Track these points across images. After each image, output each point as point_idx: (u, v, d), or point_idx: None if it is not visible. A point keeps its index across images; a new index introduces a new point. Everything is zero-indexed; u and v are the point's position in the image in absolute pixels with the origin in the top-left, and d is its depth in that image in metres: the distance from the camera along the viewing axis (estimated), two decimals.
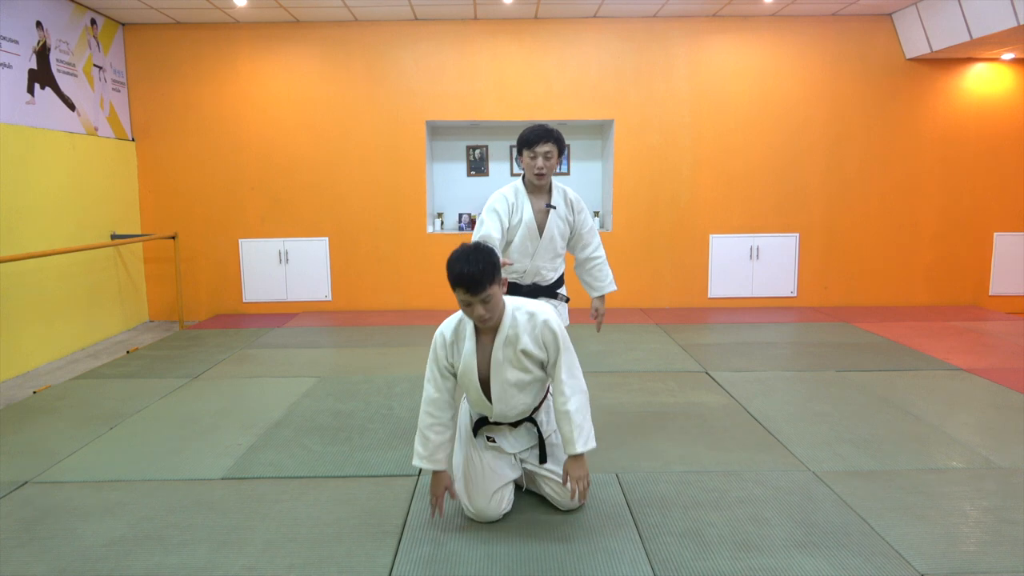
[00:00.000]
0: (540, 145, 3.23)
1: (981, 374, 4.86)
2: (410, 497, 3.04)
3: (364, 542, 2.68)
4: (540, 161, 3.25)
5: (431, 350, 2.72)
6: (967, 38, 6.29)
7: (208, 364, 5.37)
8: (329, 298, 7.53)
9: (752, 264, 7.55)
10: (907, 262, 7.57)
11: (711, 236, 7.49)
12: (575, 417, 2.61)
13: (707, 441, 3.69)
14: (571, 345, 2.69)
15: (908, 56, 7.21)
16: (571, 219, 3.45)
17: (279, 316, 7.30)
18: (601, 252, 3.55)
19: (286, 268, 7.47)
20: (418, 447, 2.71)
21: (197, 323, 7.14)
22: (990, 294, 7.61)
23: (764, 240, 7.51)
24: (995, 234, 7.52)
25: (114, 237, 6.67)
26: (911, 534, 2.68)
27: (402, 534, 2.74)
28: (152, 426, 4.01)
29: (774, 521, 2.80)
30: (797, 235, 7.51)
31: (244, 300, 7.50)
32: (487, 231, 3.26)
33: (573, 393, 2.63)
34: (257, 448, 3.64)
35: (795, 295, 7.60)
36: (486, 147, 7.79)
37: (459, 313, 2.68)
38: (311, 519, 2.87)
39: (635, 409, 4.22)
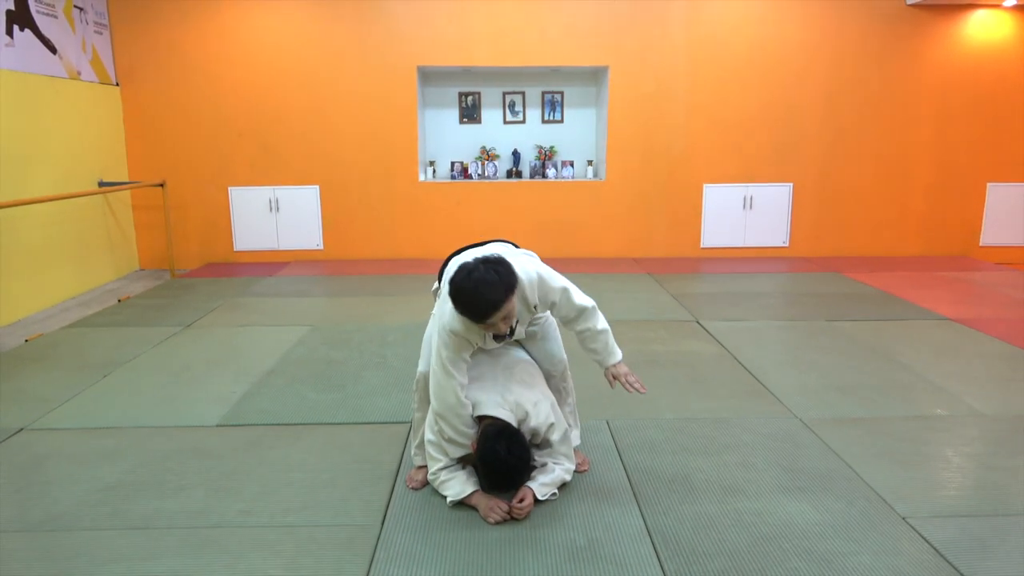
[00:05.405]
0: (490, 318, 2.34)
1: (968, 324, 4.91)
2: (403, 443, 3.08)
3: (359, 487, 2.72)
4: (500, 326, 2.42)
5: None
6: None
7: (200, 313, 5.37)
8: (321, 247, 7.49)
9: (745, 214, 7.52)
10: (900, 212, 7.56)
11: (705, 185, 7.44)
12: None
13: (697, 389, 3.74)
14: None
15: (909, 2, 7.06)
16: (542, 312, 2.69)
17: (270, 265, 7.27)
18: (590, 322, 2.65)
19: (277, 217, 7.40)
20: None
21: (188, 271, 7.10)
22: (981, 244, 7.64)
23: (758, 190, 7.48)
24: (988, 184, 7.50)
25: (101, 184, 6.57)
26: (894, 479, 2.74)
27: (396, 478, 2.78)
28: (145, 374, 4.03)
29: (761, 466, 2.86)
30: (791, 185, 7.47)
31: (235, 249, 7.45)
32: (456, 399, 2.48)
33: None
34: (251, 396, 3.67)
35: (787, 245, 7.60)
36: (479, 94, 7.66)
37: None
38: (306, 465, 2.90)
39: (626, 357, 4.19)
